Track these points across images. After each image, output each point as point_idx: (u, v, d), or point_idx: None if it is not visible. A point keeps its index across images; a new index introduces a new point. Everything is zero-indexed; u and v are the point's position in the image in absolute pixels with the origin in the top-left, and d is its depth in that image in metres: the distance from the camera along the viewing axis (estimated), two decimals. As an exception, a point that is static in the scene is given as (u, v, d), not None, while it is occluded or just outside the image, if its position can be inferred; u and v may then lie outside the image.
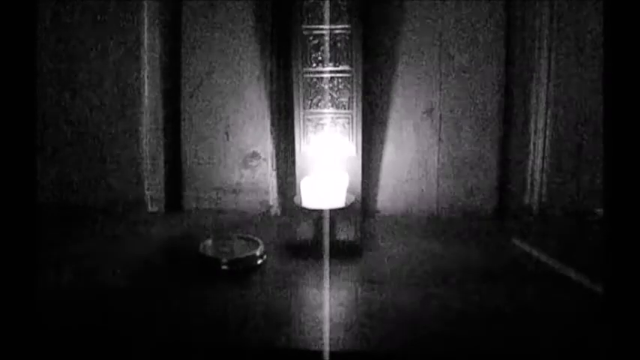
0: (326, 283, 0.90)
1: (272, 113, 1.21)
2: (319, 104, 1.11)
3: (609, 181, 0.72)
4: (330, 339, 0.74)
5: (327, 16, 1.07)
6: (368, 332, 0.77)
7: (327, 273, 0.93)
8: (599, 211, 1.16)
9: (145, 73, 1.21)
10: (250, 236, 1.03)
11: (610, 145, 0.72)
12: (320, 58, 1.09)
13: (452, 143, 1.20)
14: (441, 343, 0.75)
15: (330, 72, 1.10)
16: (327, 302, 0.84)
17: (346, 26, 1.07)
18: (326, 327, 0.77)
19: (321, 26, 1.08)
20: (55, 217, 1.19)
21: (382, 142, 1.21)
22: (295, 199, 1.05)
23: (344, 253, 1.01)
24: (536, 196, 1.20)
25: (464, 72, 1.18)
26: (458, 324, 0.79)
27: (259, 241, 1.00)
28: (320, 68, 1.10)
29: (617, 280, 0.68)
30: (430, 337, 0.76)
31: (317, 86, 1.10)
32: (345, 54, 1.09)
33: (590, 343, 0.73)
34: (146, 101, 1.22)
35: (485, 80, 1.18)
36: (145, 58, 1.21)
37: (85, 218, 1.19)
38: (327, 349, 0.72)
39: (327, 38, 1.08)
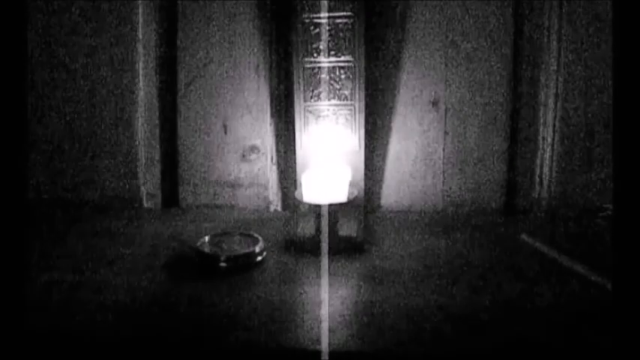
0: (327, 281, 0.89)
1: (272, 105, 1.19)
2: (320, 96, 1.09)
3: (619, 177, 0.71)
4: (331, 338, 0.73)
5: (328, 3, 1.06)
6: (369, 331, 0.75)
7: (328, 270, 0.92)
8: (610, 207, 1.14)
9: (140, 64, 1.19)
10: (250, 232, 1.01)
11: (620, 140, 0.71)
12: (321, 48, 1.08)
13: (458, 136, 1.18)
14: (444, 342, 0.73)
15: (332, 62, 1.08)
16: (328, 300, 0.83)
17: (348, 14, 1.06)
18: (327, 325, 0.76)
19: (322, 14, 1.06)
20: (48, 214, 1.17)
21: (386, 135, 1.19)
22: (296, 193, 1.03)
23: (346, 249, 0.99)
24: (545, 192, 1.18)
25: (470, 62, 1.15)
26: (462, 322, 0.77)
27: (259, 237, 0.99)
28: (321, 58, 1.08)
29: (626, 277, 0.68)
30: (433, 336, 0.74)
31: (318, 77, 1.09)
32: (347, 43, 1.07)
33: (597, 340, 0.72)
34: (141, 94, 1.20)
35: (492, 71, 1.15)
36: (140, 49, 1.18)
37: (79, 215, 1.18)
38: (327, 348, 0.71)
39: (328, 27, 1.07)
